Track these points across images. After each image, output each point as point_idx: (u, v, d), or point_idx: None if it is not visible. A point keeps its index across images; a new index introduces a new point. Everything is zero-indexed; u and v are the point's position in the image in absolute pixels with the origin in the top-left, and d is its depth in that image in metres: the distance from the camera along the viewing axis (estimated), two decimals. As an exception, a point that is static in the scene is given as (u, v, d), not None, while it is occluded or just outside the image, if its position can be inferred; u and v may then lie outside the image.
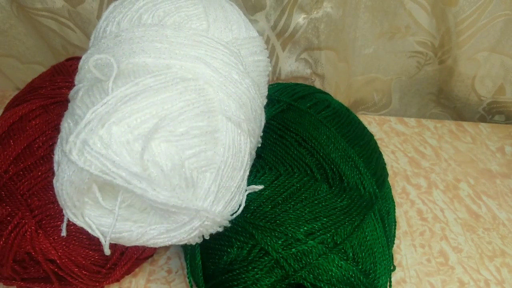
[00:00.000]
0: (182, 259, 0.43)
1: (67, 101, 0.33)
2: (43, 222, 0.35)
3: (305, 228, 0.33)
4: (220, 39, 0.33)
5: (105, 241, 0.30)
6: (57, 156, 0.30)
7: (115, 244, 0.34)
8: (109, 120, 0.26)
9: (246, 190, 0.34)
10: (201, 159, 0.29)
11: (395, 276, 0.43)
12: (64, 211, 0.30)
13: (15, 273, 0.36)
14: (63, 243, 0.35)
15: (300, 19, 0.54)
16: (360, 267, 0.33)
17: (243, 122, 0.32)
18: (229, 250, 0.34)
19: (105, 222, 0.30)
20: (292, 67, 0.60)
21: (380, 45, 0.59)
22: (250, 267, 0.32)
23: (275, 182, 0.36)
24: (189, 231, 0.30)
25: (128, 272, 0.40)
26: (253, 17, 0.54)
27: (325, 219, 0.34)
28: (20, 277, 0.36)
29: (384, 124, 0.62)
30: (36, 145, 0.37)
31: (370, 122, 0.62)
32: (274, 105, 0.43)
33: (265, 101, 0.39)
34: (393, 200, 0.41)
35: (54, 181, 0.29)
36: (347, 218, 0.34)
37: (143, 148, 0.26)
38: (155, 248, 0.41)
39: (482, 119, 0.66)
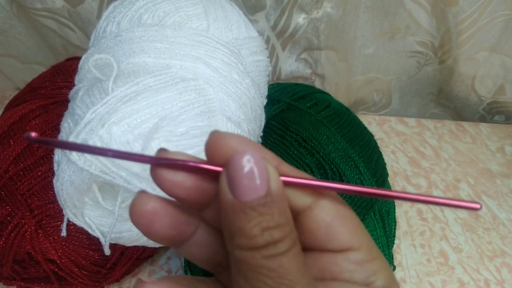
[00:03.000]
0: (182, 259, 0.43)
1: (67, 101, 0.33)
2: (43, 222, 0.35)
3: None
4: (220, 39, 0.33)
5: (105, 241, 0.30)
6: (57, 156, 0.30)
7: (115, 244, 0.34)
8: (109, 120, 0.26)
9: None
10: (201, 159, 0.29)
11: (395, 276, 0.43)
12: (64, 211, 0.30)
13: (15, 273, 0.36)
14: (63, 243, 0.35)
15: (300, 19, 0.54)
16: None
17: (243, 122, 0.32)
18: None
19: (105, 222, 0.30)
20: (292, 67, 0.60)
21: (380, 45, 0.59)
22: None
23: (275, 182, 0.36)
24: (189, 231, 0.30)
25: (128, 272, 0.40)
26: (253, 17, 0.54)
27: (325, 219, 0.34)
28: (20, 277, 0.36)
29: (384, 124, 0.62)
30: (36, 145, 0.37)
31: (370, 122, 0.62)
32: (274, 105, 0.43)
33: (265, 101, 0.39)
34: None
35: (54, 181, 0.29)
36: (347, 218, 0.34)
37: (143, 148, 0.26)
38: (155, 248, 0.41)
39: (482, 119, 0.66)
